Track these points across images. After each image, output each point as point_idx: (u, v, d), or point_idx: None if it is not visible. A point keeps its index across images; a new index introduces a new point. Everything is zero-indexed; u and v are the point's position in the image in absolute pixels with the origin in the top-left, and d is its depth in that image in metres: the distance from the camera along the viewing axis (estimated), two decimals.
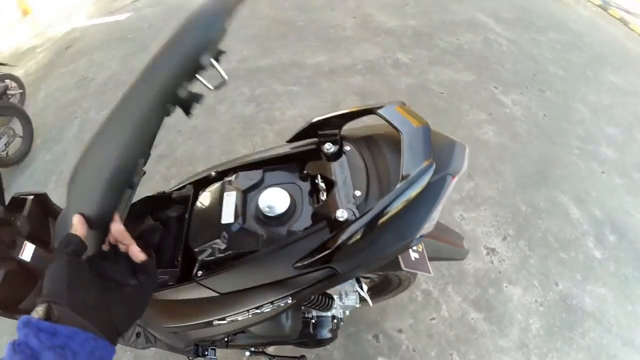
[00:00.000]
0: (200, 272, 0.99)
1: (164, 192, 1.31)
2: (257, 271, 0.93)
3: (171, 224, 1.26)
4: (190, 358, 1.59)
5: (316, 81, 3.40)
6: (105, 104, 3.64)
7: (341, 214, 0.87)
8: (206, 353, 1.37)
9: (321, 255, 0.82)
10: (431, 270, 1.08)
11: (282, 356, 1.54)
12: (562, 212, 2.51)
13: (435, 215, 0.89)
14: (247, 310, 0.96)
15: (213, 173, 1.21)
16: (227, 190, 1.07)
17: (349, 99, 3.17)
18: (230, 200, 1.04)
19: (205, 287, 0.96)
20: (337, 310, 1.50)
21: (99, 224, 0.64)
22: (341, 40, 3.93)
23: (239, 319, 1.00)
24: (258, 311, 0.96)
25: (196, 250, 1.01)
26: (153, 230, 1.23)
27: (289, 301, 0.95)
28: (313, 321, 1.41)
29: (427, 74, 3.45)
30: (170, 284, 1.03)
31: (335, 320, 1.46)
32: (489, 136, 2.93)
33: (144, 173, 0.86)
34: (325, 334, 1.40)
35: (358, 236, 0.79)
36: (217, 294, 0.96)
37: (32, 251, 1.19)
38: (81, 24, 5.61)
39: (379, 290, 1.70)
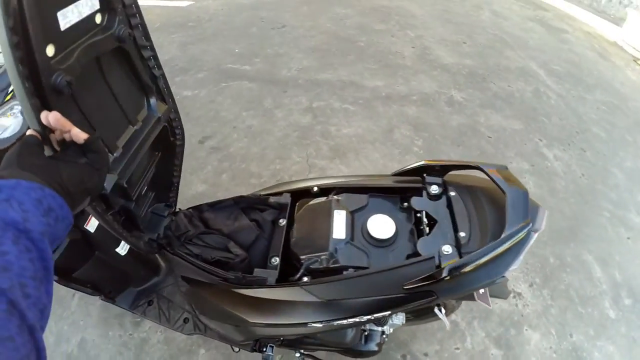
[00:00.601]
0: (305, 278, 1.14)
1: (259, 195, 1.49)
2: (365, 286, 1.06)
3: (266, 226, 1.44)
4: (236, 350, 1.71)
5: (372, 104, 3.52)
6: None
7: (447, 249, 1.04)
8: (264, 349, 1.46)
9: (431, 281, 0.98)
10: (490, 303, 1.24)
11: None
12: (585, 270, 2.62)
13: (519, 261, 1.07)
14: (346, 319, 1.09)
15: (315, 188, 1.38)
16: (337, 209, 1.23)
17: (402, 128, 3.29)
18: (340, 218, 1.20)
19: (308, 292, 1.09)
20: (387, 327, 1.67)
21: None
22: (399, 68, 4.06)
23: (335, 324, 1.14)
24: (357, 320, 1.10)
25: (302, 257, 1.16)
26: (249, 230, 1.41)
27: (387, 315, 1.11)
28: (366, 333, 1.53)
29: (478, 115, 3.58)
30: (268, 284, 1.17)
31: (383, 335, 1.59)
32: (529, 187, 3.05)
33: None
34: (373, 346, 1.51)
35: (463, 270, 0.96)
36: (319, 300, 1.09)
37: (97, 223, 1.26)
38: (141, 2, 5.74)
39: (424, 313, 1.86)
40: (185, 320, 1.66)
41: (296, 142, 3.13)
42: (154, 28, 4.82)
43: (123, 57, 0.98)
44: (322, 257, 1.15)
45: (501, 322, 2.29)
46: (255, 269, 1.22)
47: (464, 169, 1.26)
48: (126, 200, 1.07)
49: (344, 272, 1.13)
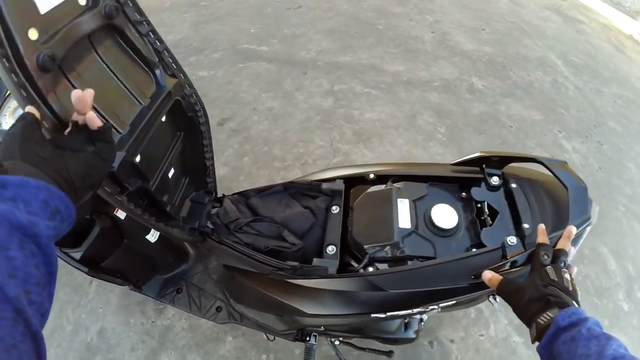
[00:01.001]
0: (370, 268, 1.12)
1: (311, 180, 1.45)
2: (433, 276, 1.06)
3: (319, 214, 1.38)
4: (271, 339, 1.68)
5: (394, 89, 3.48)
6: None
7: (512, 240, 1.04)
8: (308, 339, 1.44)
9: (502, 271, 0.98)
10: None
11: (372, 349, 1.64)
12: (601, 262, 2.65)
13: (575, 253, 1.09)
14: (411, 308, 1.09)
15: (372, 175, 1.35)
16: (400, 197, 1.21)
17: (425, 114, 3.26)
18: (404, 207, 1.18)
19: (374, 283, 1.07)
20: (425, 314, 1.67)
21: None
22: (419, 53, 4.01)
23: (400, 314, 1.13)
24: (421, 310, 1.10)
25: (366, 246, 1.14)
26: (304, 217, 1.38)
27: (451, 304, 1.11)
28: (406, 321, 1.53)
29: (499, 104, 3.56)
30: (329, 274, 1.13)
31: (421, 323, 1.59)
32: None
33: None
34: (411, 334, 1.51)
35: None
36: (384, 291, 1.07)
37: None
38: None
39: (470, 301, 1.87)
40: (218, 309, 1.63)
41: (319, 125, 3.09)
42: (164, 7, 4.70)
43: (118, 34, 0.96)
44: (388, 246, 1.13)
45: None
46: (315, 259, 1.18)
47: (524, 161, 1.25)
48: (142, 180, 1.04)
49: (409, 263, 1.12)
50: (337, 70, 3.66)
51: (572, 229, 0.91)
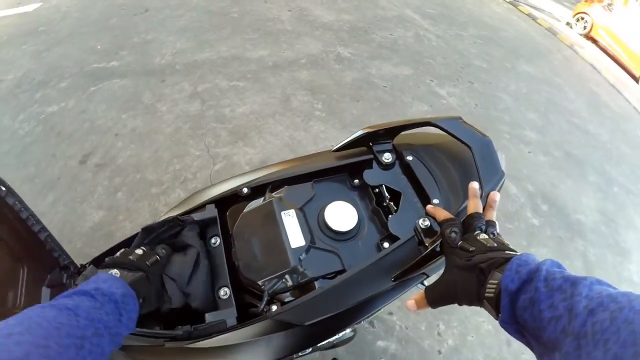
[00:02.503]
0: (273, 307, 0.90)
1: (175, 216, 1.16)
2: (349, 291, 0.88)
3: (194, 254, 1.13)
4: None
5: (262, 76, 3.30)
6: (20, 109, 3.13)
7: (425, 222, 0.88)
8: None
9: (424, 263, 0.82)
10: None
11: None
12: (503, 190, 2.77)
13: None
14: (337, 332, 0.92)
15: (245, 189, 1.09)
16: (284, 210, 0.98)
17: (298, 94, 3.13)
18: (292, 221, 0.97)
19: (284, 321, 0.88)
20: None
21: None
22: (280, 34, 3.87)
23: (325, 343, 0.95)
24: (348, 329, 0.93)
25: (260, 282, 0.92)
26: (180, 264, 1.08)
27: (379, 311, 0.93)
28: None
29: (369, 68, 3.54)
30: (229, 327, 0.91)
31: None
32: None
33: None
34: (349, 333, 1.35)
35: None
36: (300, 326, 0.87)
37: None
38: None
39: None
40: None
41: (190, 134, 2.81)
42: (1, 43, 4.05)
43: None
44: (286, 274, 0.91)
45: None
46: (207, 314, 0.92)
47: (414, 127, 1.07)
48: None
49: (317, 284, 0.91)
50: (198, 69, 3.38)
51: (474, 185, 0.76)
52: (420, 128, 1.07)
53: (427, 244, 0.84)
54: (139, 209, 2.39)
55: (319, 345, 0.96)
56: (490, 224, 0.71)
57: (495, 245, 0.63)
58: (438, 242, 0.75)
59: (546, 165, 3.16)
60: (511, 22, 5.75)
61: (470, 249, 0.63)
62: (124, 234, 2.26)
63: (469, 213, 0.72)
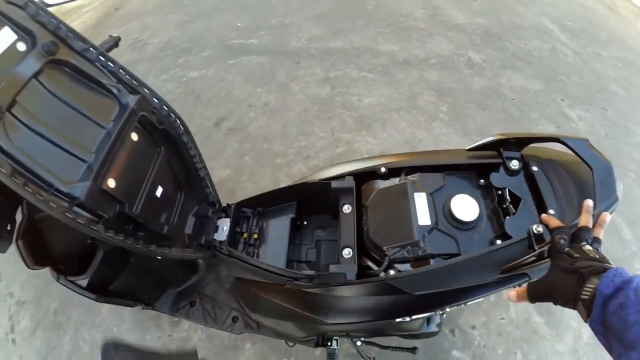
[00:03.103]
0: (391, 272, 1.04)
1: (319, 180, 1.34)
2: (458, 274, 0.98)
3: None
4: (291, 345, 1.64)
5: (391, 71, 3.38)
6: (164, 69, 3.53)
7: (539, 229, 0.94)
8: (329, 344, 1.39)
9: (531, 263, 0.90)
10: None
11: (396, 347, 1.57)
12: (615, 232, 2.61)
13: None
14: (439, 309, 1.03)
15: (383, 169, 1.25)
16: (416, 191, 1.13)
17: (425, 93, 3.18)
18: (422, 202, 1.10)
19: (397, 286, 1.00)
20: None
21: None
22: (412, 31, 3.90)
23: (426, 316, 1.08)
24: (447, 309, 1.04)
25: (385, 248, 1.06)
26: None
27: (479, 300, 1.04)
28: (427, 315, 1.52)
29: (500, 77, 3.46)
30: (349, 280, 1.06)
31: (443, 315, 1.53)
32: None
33: None
34: (434, 328, 1.43)
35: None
36: (407, 294, 1.00)
37: None
38: None
39: None
40: (234, 319, 1.58)
41: (318, 115, 2.99)
42: (147, 10, 4.57)
43: (67, 66, 0.95)
44: (408, 246, 1.06)
45: None
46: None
47: (544, 141, 1.16)
48: (119, 205, 0.99)
49: (432, 261, 1.04)
50: (331, 56, 3.56)
51: (589, 202, 0.86)
52: (548, 143, 1.15)
53: (536, 248, 0.91)
54: (262, 174, 2.62)
55: (421, 316, 1.08)
56: (597, 240, 0.79)
57: (597, 257, 0.72)
58: (546, 247, 0.84)
59: None
60: None
61: (575, 256, 0.73)
62: (244, 193, 2.49)
63: (579, 226, 0.81)
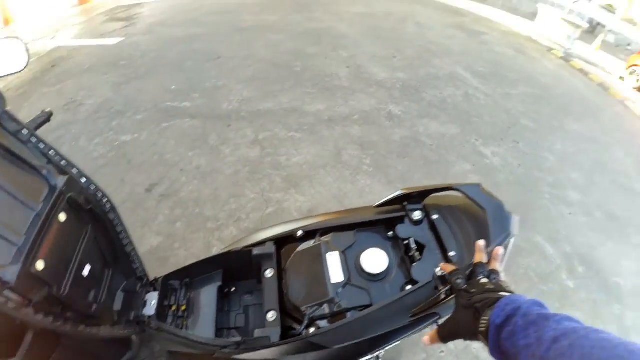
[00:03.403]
0: (311, 329, 1.12)
1: (241, 248, 1.43)
2: (373, 323, 1.08)
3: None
4: None
5: (317, 129, 3.59)
6: (97, 133, 3.50)
7: (440, 271, 1.06)
8: None
9: (437, 303, 1.03)
10: None
11: None
12: (539, 251, 2.85)
13: (503, 266, 1.18)
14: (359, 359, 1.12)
15: (300, 232, 1.37)
16: (329, 251, 1.25)
17: (349, 148, 3.38)
18: (334, 260, 1.22)
19: (318, 343, 1.08)
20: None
21: None
22: (337, 90, 4.19)
23: None
24: (369, 358, 1.13)
25: (303, 308, 1.16)
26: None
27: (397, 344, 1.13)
28: None
29: (417, 126, 3.75)
30: (273, 343, 1.13)
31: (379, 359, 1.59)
32: None
33: None
34: None
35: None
36: (328, 349, 1.07)
37: None
38: (68, 43, 5.45)
39: None
40: None
41: (248, 177, 3.10)
42: (84, 69, 4.60)
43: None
44: (325, 303, 1.16)
45: None
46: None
47: (442, 191, 1.32)
48: (48, 287, 1.00)
49: (348, 314, 1.14)
50: (260, 118, 3.73)
51: (480, 243, 0.94)
52: (447, 192, 1.31)
53: (440, 289, 1.03)
54: (194, 240, 2.64)
55: None
56: (493, 272, 0.86)
57: (493, 287, 0.79)
58: (448, 287, 0.95)
59: (586, 227, 3.16)
60: (562, 78, 5.79)
61: (472, 291, 0.81)
62: (177, 260, 2.49)
63: (474, 263, 0.90)
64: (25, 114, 3.90)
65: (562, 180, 3.59)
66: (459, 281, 0.86)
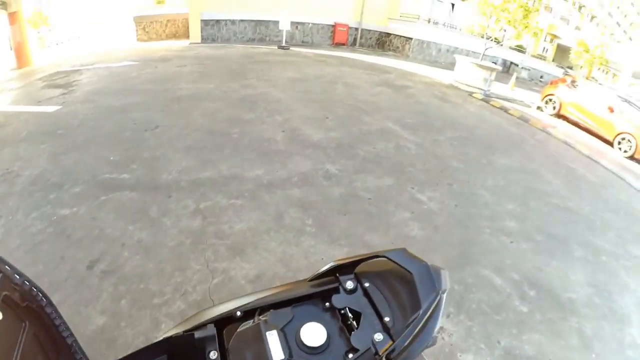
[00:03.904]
0: None
1: (182, 333, 1.40)
2: None
3: None
4: None
5: (258, 194, 3.65)
6: (34, 207, 3.37)
7: (379, 337, 1.14)
8: None
9: None
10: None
11: None
12: (487, 283, 2.99)
13: (439, 322, 1.20)
14: None
15: (239, 312, 1.38)
16: (268, 330, 1.25)
17: (291, 211, 3.46)
18: (274, 339, 1.22)
19: None
20: None
21: None
22: (274, 154, 4.32)
23: None
24: None
25: None
26: None
27: None
28: None
29: (355, 182, 3.93)
30: None
31: None
32: (415, 232, 3.41)
33: None
34: None
35: (399, 351, 1.08)
36: None
37: None
38: (4, 109, 5.32)
39: None
40: None
41: (191, 248, 3.06)
42: (20, 138, 4.46)
43: None
44: None
45: (435, 357, 2.47)
46: None
47: (370, 259, 1.39)
48: None
49: None
50: (201, 187, 3.74)
51: None
52: (375, 259, 1.38)
53: (380, 353, 1.09)
54: (141, 317, 2.54)
55: None
56: None
57: None
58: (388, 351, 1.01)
59: (529, 252, 3.38)
60: (484, 118, 6.32)
61: None
62: (125, 340, 2.39)
63: None
64: None
65: (499, 213, 3.83)
66: None
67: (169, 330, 1.59)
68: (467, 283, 2.96)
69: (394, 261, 1.29)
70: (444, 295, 1.23)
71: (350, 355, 1.18)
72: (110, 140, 4.56)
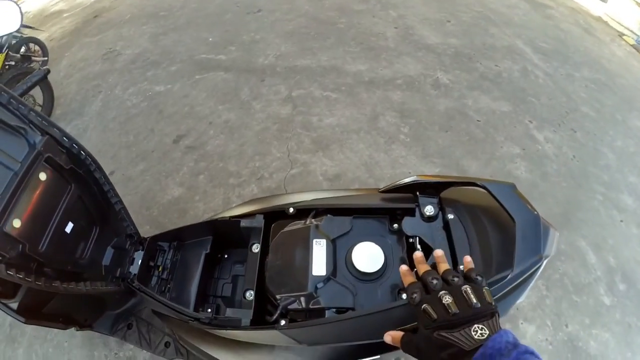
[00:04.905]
0: (282, 321, 0.98)
1: (229, 217, 1.31)
2: (351, 330, 0.91)
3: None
4: None
5: (355, 90, 3.35)
6: (132, 82, 3.57)
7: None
8: None
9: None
10: None
11: None
12: (579, 257, 2.55)
13: (526, 294, 0.92)
14: None
15: (291, 209, 1.19)
16: (316, 237, 1.05)
17: (388, 114, 3.13)
18: (320, 250, 1.03)
19: (287, 336, 0.94)
20: None
21: None
22: (382, 50, 3.89)
23: None
24: None
25: (278, 297, 1.00)
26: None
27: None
28: None
29: (466, 98, 3.43)
30: (244, 325, 1.03)
31: None
32: (521, 172, 2.95)
33: None
34: None
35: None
36: (299, 345, 0.94)
37: None
38: None
39: None
40: (167, 345, 1.61)
41: (276, 135, 2.95)
42: (124, 20, 4.67)
43: None
44: (301, 297, 0.98)
45: None
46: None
47: (464, 185, 1.07)
48: (21, 245, 0.99)
49: (327, 313, 0.96)
50: (296, 74, 3.53)
51: (439, 252, 0.73)
52: (471, 187, 1.05)
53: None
54: (215, 194, 2.59)
55: None
56: (428, 274, 0.67)
57: (459, 312, 0.60)
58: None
59: (637, 240, 2.76)
60: (631, 68, 5.21)
61: (433, 317, 0.61)
62: (196, 213, 2.48)
63: (420, 274, 0.69)
64: (66, 62, 4.10)
65: (618, 182, 3.18)
66: (414, 296, 0.66)
67: (222, 211, 1.49)
68: (559, 248, 2.50)
69: (495, 197, 0.93)
70: (545, 262, 0.89)
71: (404, 296, 0.91)
72: (210, 21, 4.51)
